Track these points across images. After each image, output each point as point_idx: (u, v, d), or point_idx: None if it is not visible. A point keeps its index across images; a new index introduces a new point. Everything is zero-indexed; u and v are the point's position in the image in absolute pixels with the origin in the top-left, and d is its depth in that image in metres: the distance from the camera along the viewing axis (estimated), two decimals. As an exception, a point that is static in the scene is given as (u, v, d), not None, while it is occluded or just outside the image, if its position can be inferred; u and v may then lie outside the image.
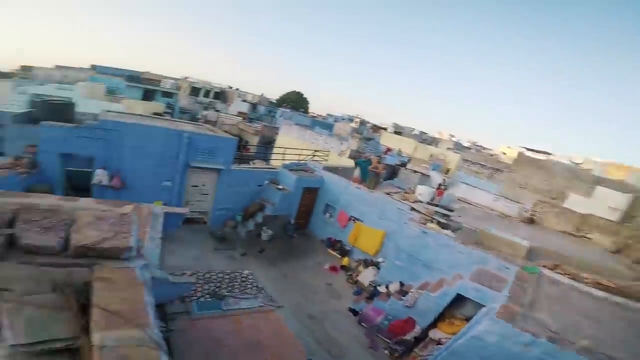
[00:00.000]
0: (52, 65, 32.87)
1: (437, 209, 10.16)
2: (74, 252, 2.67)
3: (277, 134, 22.48)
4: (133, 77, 31.71)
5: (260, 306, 7.58)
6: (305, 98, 57.88)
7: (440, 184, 12.31)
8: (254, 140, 23.25)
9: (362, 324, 7.89)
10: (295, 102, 53.96)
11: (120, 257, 2.48)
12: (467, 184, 16.73)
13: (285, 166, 11.98)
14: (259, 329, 6.82)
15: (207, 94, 39.23)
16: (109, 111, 10.36)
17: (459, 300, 7.02)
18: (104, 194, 8.19)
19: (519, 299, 5.71)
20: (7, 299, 2.47)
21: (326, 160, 16.97)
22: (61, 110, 9.13)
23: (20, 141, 8.33)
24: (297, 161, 13.47)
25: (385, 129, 39.46)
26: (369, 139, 22.41)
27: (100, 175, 8.32)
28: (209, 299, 7.32)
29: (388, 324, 7.56)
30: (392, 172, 16.88)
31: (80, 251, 2.66)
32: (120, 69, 35.59)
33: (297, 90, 57.38)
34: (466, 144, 47.64)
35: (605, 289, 6.80)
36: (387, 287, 8.54)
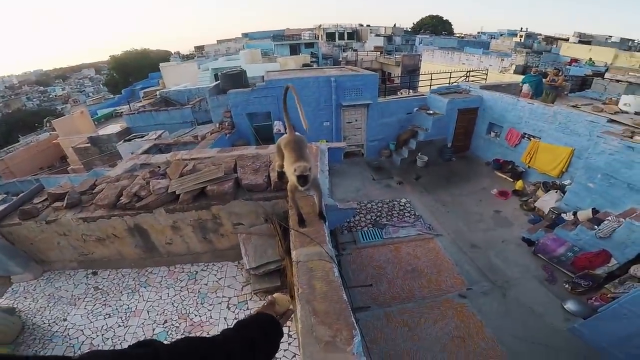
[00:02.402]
0: (214, 41, 39.47)
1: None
2: (274, 187, 3.28)
3: (420, 61, 21.15)
4: (278, 36, 34.88)
5: (419, 234, 7.56)
6: (447, 20, 50.83)
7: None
8: (397, 71, 22.67)
9: (539, 254, 6.83)
10: (435, 26, 48.13)
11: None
12: None
13: (433, 91, 11.19)
14: (417, 257, 6.87)
15: (341, 37, 39.42)
16: (269, 71, 11.94)
17: None
18: (283, 140, 9.94)
19: None
20: (241, 231, 3.35)
21: (484, 80, 14.84)
22: (237, 78, 10.82)
23: (219, 109, 10.56)
24: (447, 84, 12.29)
25: (565, 39, 30.28)
26: (542, 52, 18.05)
27: (277, 126, 9.99)
28: (371, 229, 7.76)
29: (573, 257, 6.36)
30: (582, 83, 13.78)
31: (278, 186, 3.23)
32: (266, 32, 39.67)
33: (434, 14, 50.52)
34: None
35: None
36: (574, 214, 7.09)
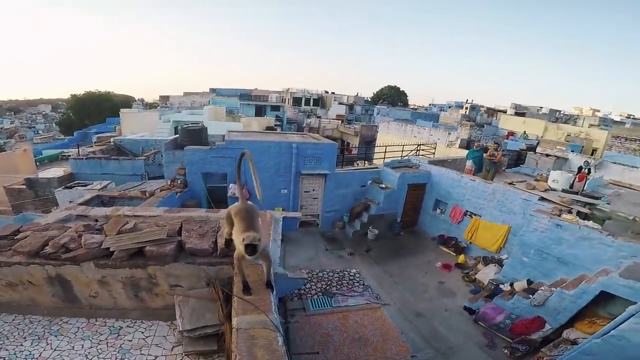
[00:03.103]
0: (181, 92, 40.00)
1: (576, 197, 8.49)
2: (220, 253, 3.23)
3: (376, 132, 22.49)
4: (245, 96, 36.21)
5: (367, 303, 7.68)
6: (403, 91, 55.80)
7: (581, 167, 10.24)
8: (355, 141, 23.83)
9: (479, 322, 7.22)
10: (392, 96, 52.57)
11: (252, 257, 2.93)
12: (621, 164, 13.62)
13: (386, 164, 11.77)
14: (364, 325, 6.97)
15: (307, 102, 41.82)
16: (231, 131, 12.02)
17: (604, 298, 5.96)
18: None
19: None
20: (178, 293, 3.20)
21: (433, 153, 16.10)
22: (197, 135, 10.68)
23: (173, 165, 10.15)
24: (399, 158, 13.09)
25: (504, 111, 34.47)
26: (483, 125, 20.38)
27: (232, 189, 9.70)
28: (321, 297, 7.77)
29: (510, 323, 6.81)
30: (517, 158, 15.09)
31: (224, 252, 3.20)
32: (233, 89, 41.24)
33: (391, 84, 55.79)
34: (617, 118, 38.72)
35: None
36: (511, 285, 7.64)
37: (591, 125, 26.58)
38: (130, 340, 3.05)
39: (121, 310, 3.38)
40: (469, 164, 11.30)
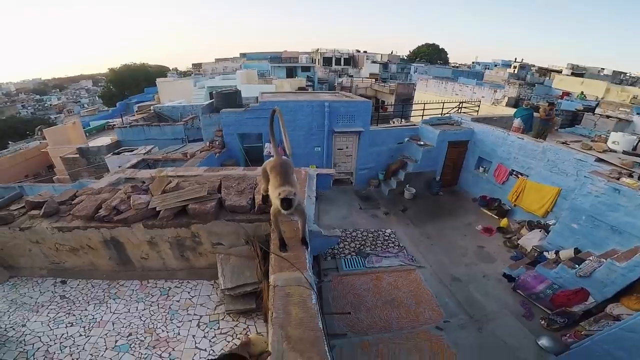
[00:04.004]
0: (212, 59, 39.98)
1: (638, 159, 7.64)
2: (258, 210, 3.28)
3: (414, 90, 21.59)
4: (275, 58, 35.69)
5: (401, 265, 7.59)
6: (442, 49, 51.96)
7: (645, 128, 9.19)
8: (391, 99, 23.07)
9: (518, 290, 6.94)
10: (430, 54, 49.30)
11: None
12: None
13: (425, 121, 11.30)
14: (397, 287, 6.91)
15: (338, 62, 40.33)
16: (264, 93, 12.04)
17: None
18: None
19: None
20: (220, 251, 3.29)
21: (476, 112, 15.21)
22: (231, 98, 10.88)
23: (210, 127, 10.52)
24: (439, 115, 12.47)
25: (558, 71, 31.12)
26: (534, 84, 18.72)
27: (268, 148, 9.81)
28: (355, 257, 7.77)
29: (551, 294, 6.47)
30: (573, 119, 14.24)
31: (261, 208, 3.24)
32: (264, 53, 40.42)
33: (430, 42, 51.88)
34: None
35: None
36: (556, 253, 7.15)
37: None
38: (179, 301, 3.24)
39: (169, 271, 3.58)
40: (517, 122, 10.49)
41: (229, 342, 2.78)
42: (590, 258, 6.34)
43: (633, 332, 4.61)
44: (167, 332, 2.91)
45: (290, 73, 32.06)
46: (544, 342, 5.83)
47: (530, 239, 8.11)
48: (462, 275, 7.43)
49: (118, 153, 10.81)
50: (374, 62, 38.32)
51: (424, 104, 14.15)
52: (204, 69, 37.66)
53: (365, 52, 46.21)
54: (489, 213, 9.82)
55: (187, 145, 11.64)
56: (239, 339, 2.79)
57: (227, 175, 4.13)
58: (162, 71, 43.38)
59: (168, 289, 3.41)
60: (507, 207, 9.56)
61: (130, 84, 36.94)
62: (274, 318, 1.89)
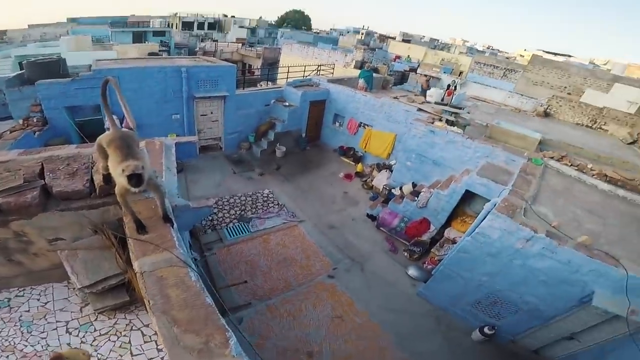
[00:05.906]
0: (24, 25, 31.04)
1: (445, 107, 9.95)
2: (100, 193, 2.83)
3: (280, 54, 22.01)
4: (118, 23, 30.05)
5: (284, 222, 7.82)
6: (307, 16, 54.21)
7: (449, 85, 11.90)
8: (258, 63, 23.02)
9: (381, 228, 7.97)
10: (296, 20, 50.73)
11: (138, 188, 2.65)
12: (479, 83, 16.93)
13: (289, 84, 11.87)
14: (286, 245, 7.12)
15: (201, 26, 36.96)
16: (100, 60, 10.25)
17: (469, 196, 6.91)
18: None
19: (522, 193, 5.40)
20: (62, 247, 2.80)
21: (332, 73, 16.66)
22: (52, 67, 8.98)
23: (22, 103, 8.39)
24: (301, 78, 13.21)
25: (393, 38, 36.64)
26: (375, 49, 21.50)
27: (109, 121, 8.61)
28: (237, 224, 7.57)
29: (405, 227, 7.57)
30: (402, 78, 17.17)
31: (105, 190, 2.79)
32: (102, 17, 33.45)
33: (297, 9, 53.30)
34: (480, 48, 45.84)
35: (612, 181, 6.40)
36: (400, 189, 8.68)
37: (460, 53, 31.42)
38: (28, 311, 2.76)
39: (1, 281, 2.95)
40: (361, 82, 12.21)
41: (114, 341, 2.54)
42: (424, 190, 7.78)
43: (466, 252, 5.32)
44: (32, 345, 2.50)
45: (139, 38, 27.68)
46: (412, 272, 6.81)
47: (380, 180, 9.69)
48: (336, 222, 8.25)
49: None
50: (241, 27, 36.69)
51: (289, 67, 14.61)
52: (9, 37, 28.66)
53: (233, 17, 43.56)
54: (346, 161, 11.37)
55: (-12, 126, 9.08)
56: (125, 336, 2.55)
57: (52, 156, 3.37)
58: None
59: (7, 300, 2.86)
60: (360, 153, 11.30)
61: None
62: (152, 306, 1.78)
